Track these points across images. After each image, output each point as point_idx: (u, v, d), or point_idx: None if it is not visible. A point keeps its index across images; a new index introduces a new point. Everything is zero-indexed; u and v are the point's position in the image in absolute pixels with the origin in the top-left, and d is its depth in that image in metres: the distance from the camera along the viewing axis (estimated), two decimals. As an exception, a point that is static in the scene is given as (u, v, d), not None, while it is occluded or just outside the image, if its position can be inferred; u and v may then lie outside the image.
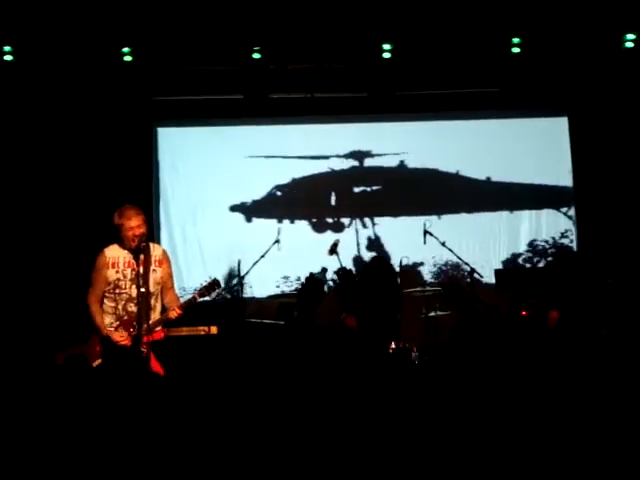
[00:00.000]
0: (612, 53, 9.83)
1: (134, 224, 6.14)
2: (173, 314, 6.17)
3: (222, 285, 6.71)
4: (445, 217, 10.74)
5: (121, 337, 6.07)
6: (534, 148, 10.77)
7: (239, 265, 9.47)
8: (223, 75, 10.12)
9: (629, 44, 9.73)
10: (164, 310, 6.28)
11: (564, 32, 9.62)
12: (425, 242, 9.43)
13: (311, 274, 9.24)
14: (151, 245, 6.24)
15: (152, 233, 6.48)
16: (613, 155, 10.34)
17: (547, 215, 10.85)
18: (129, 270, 6.13)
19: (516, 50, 9.86)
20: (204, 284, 6.31)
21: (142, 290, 5.93)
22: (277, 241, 9.56)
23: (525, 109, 10.73)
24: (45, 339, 8.43)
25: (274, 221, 10.79)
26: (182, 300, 6.38)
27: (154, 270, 6.15)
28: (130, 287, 6.11)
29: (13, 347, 8.62)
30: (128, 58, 9.75)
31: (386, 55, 9.88)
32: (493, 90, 10.46)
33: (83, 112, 10.13)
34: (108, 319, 6.18)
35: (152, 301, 6.10)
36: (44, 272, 9.84)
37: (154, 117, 10.68)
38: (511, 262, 10.68)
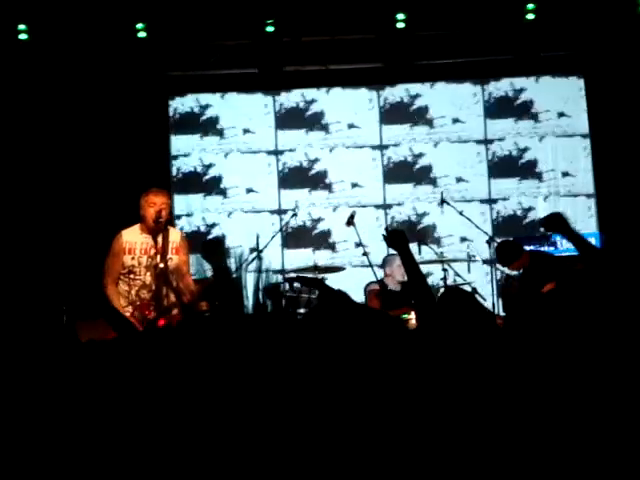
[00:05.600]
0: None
1: (156, 200, 6.13)
2: (185, 298, 6.09)
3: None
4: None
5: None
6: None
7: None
8: (237, 49, 10.08)
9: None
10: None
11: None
12: (442, 212, 9.60)
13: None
14: (170, 230, 6.26)
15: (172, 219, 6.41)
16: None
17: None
18: (145, 257, 6.15)
19: (530, 16, 9.79)
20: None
21: (160, 272, 5.96)
22: (295, 214, 9.57)
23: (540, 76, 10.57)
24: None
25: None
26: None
27: (170, 258, 6.15)
28: (145, 274, 6.14)
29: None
30: (142, 34, 9.77)
31: (400, 25, 9.87)
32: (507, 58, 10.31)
33: (98, 92, 9.98)
34: (121, 301, 6.19)
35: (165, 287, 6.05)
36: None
37: (169, 92, 10.57)
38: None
